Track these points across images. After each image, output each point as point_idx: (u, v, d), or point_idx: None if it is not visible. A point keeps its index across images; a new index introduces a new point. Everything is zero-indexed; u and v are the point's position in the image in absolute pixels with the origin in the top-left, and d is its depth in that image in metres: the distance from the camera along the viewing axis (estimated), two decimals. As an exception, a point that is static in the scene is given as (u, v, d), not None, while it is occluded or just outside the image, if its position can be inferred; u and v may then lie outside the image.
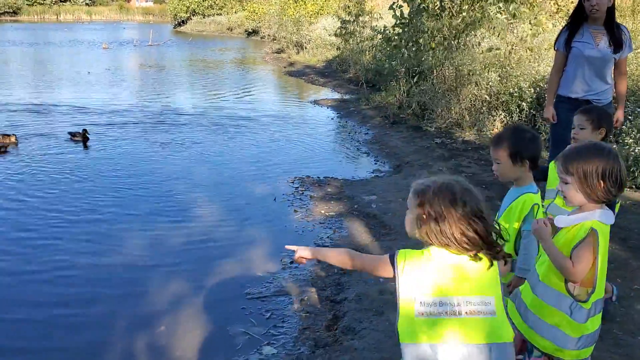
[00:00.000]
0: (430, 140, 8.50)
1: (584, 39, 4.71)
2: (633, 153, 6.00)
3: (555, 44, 5.09)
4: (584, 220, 2.27)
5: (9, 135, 8.54)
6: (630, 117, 6.61)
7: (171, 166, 7.75)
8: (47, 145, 8.62)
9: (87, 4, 77.38)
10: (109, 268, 4.74)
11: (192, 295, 4.29)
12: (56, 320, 4.00)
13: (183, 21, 50.75)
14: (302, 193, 6.49)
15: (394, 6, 10.81)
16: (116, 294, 4.33)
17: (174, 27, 50.77)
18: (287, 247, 2.35)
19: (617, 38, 4.60)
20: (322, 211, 5.88)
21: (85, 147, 8.64)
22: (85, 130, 8.91)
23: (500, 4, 9.58)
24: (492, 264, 1.93)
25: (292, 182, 6.91)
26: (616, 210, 3.54)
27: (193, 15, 50.22)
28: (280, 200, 6.32)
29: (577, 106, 4.82)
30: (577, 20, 4.77)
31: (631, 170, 6.03)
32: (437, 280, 1.91)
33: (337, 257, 2.21)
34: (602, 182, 2.21)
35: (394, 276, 1.96)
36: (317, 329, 3.77)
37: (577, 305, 2.31)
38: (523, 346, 2.52)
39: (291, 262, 4.78)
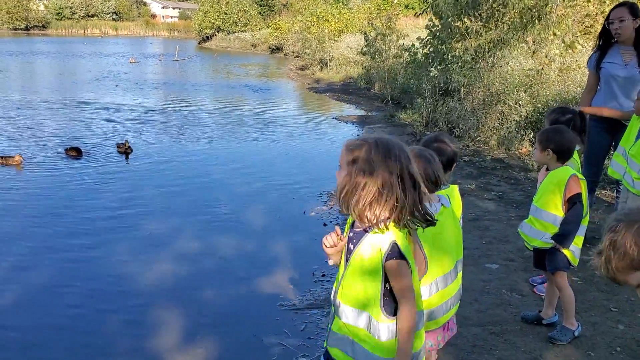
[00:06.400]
0: (459, 159, 8.47)
1: (613, 59, 4.72)
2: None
3: (587, 63, 5.11)
4: None
5: (11, 157, 8.14)
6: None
7: (203, 177, 7.93)
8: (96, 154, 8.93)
9: (113, 19, 78.85)
10: (143, 279, 4.80)
11: (226, 305, 4.33)
12: (95, 324, 4.07)
13: (208, 37, 51.44)
14: (332, 207, 6.51)
15: (430, 25, 10.92)
16: (151, 304, 4.37)
17: (198, 43, 51.47)
18: None
19: None
20: (352, 226, 5.88)
21: (127, 159, 8.82)
22: (126, 141, 9.11)
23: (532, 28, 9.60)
24: None
25: (321, 196, 6.93)
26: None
27: (218, 31, 50.89)
28: (309, 213, 6.35)
29: (609, 125, 4.83)
30: (607, 41, 4.78)
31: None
32: None
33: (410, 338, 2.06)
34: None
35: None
36: (351, 342, 3.76)
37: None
38: None
39: (322, 275, 4.79)
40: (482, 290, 4.24)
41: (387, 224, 1.97)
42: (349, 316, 2.08)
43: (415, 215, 1.98)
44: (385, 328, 2.03)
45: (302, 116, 13.99)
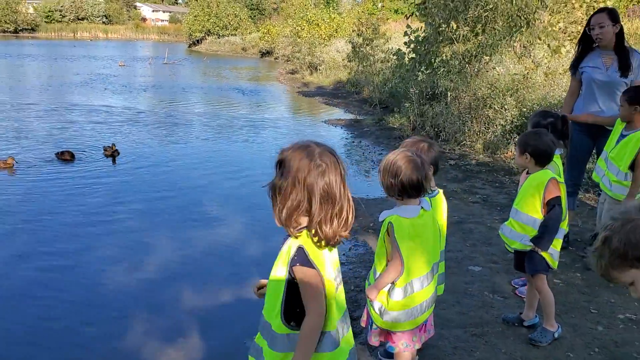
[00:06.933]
0: (445, 162, 8.53)
1: (594, 64, 4.79)
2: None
3: (570, 68, 5.19)
4: (386, 216, 2.69)
5: (3, 160, 8.06)
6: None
7: (190, 179, 7.94)
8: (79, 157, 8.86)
9: (103, 23, 78.62)
10: (124, 286, 4.79)
11: (212, 309, 4.35)
12: (78, 329, 4.06)
13: (198, 40, 51.47)
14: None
15: (408, 32, 10.96)
16: (133, 311, 4.37)
17: (188, 47, 51.46)
18: None
19: (625, 63, 4.65)
20: (338, 229, 5.90)
21: (114, 162, 8.80)
22: (113, 144, 9.09)
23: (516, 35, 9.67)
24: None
25: (308, 200, 6.95)
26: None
27: (208, 35, 50.91)
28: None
29: (591, 129, 4.89)
30: (588, 46, 4.85)
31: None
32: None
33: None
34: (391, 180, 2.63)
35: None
36: (334, 344, 3.78)
37: (393, 286, 2.71)
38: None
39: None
40: (465, 292, 4.28)
41: (300, 231, 1.92)
42: (260, 325, 2.04)
43: (323, 231, 1.89)
44: (283, 338, 1.96)
45: (293, 119, 14.04)
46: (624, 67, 4.62)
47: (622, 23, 4.76)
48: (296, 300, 1.93)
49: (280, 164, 1.94)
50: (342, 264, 4.88)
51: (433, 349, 3.46)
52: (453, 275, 4.50)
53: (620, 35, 4.66)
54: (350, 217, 1.95)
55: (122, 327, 4.06)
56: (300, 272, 1.90)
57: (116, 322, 4.15)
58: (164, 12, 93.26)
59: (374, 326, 2.88)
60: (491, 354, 3.46)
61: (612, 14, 4.63)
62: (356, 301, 4.30)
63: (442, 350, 3.48)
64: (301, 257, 1.90)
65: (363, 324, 3.12)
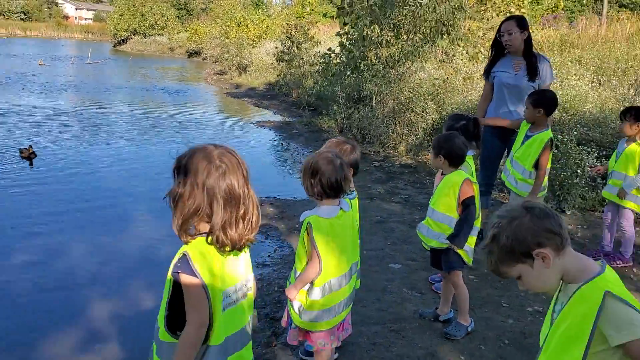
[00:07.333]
0: (369, 164, 8.72)
1: (504, 68, 5.05)
2: (559, 178, 6.35)
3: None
4: (305, 216, 2.74)
5: None
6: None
7: (112, 182, 7.71)
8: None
9: (21, 19, 75.02)
10: (45, 290, 4.62)
11: (130, 313, 4.27)
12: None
13: (123, 40, 50.05)
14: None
15: (341, 33, 11.10)
16: (52, 316, 4.23)
17: (113, 46, 49.94)
18: None
19: (532, 68, 4.92)
20: (264, 230, 5.93)
21: (31, 164, 8.42)
22: (30, 146, 8.71)
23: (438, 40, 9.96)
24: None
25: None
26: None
27: (134, 34, 49.61)
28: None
29: (501, 132, 5.14)
30: (500, 51, 5.11)
31: (557, 194, 6.39)
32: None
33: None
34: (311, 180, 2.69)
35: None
36: (256, 345, 3.78)
37: (312, 286, 2.75)
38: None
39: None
40: (384, 289, 4.39)
41: (194, 238, 1.87)
42: (155, 328, 1.98)
43: (227, 235, 1.84)
44: (168, 347, 1.90)
45: (221, 121, 13.90)
46: (532, 72, 4.89)
47: (535, 30, 5.04)
48: (183, 310, 1.86)
49: (178, 171, 1.87)
50: (266, 265, 4.94)
51: (352, 346, 3.54)
52: (374, 273, 4.61)
53: (528, 41, 4.92)
54: (255, 218, 1.91)
55: (37, 338, 3.91)
56: (182, 279, 1.83)
57: (30, 333, 3.99)
58: (87, 10, 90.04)
59: (293, 325, 2.92)
60: (409, 349, 3.58)
61: (520, 22, 4.89)
62: (279, 302, 4.34)
63: (361, 347, 3.57)
64: (184, 265, 1.83)
65: (284, 324, 3.15)
